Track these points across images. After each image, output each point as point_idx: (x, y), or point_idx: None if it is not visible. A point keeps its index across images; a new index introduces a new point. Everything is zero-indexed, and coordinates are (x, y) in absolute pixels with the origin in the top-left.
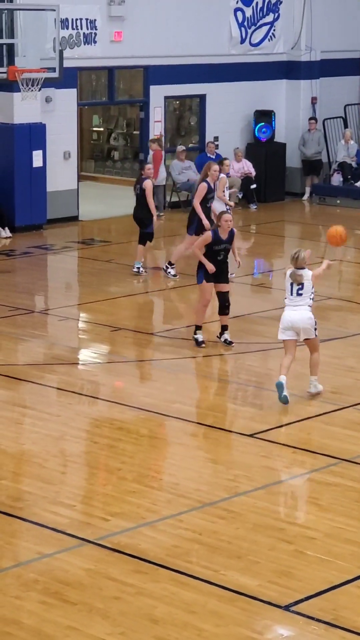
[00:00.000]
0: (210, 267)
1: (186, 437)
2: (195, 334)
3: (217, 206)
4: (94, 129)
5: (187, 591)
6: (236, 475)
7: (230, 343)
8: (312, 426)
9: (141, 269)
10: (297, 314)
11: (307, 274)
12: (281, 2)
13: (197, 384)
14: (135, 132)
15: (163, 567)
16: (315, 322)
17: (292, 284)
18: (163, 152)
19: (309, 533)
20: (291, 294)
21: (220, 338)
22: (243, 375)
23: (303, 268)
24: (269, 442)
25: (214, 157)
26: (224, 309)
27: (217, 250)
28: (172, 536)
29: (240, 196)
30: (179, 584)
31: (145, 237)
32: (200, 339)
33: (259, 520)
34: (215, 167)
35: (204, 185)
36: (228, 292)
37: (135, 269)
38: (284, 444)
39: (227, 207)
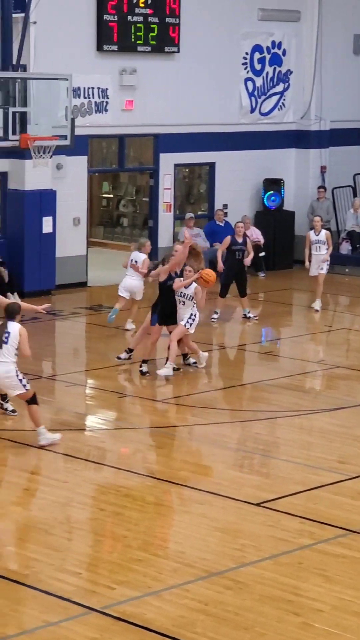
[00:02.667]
0: None
1: (193, 504)
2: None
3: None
4: (104, 195)
5: None
6: (243, 544)
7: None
8: (319, 496)
9: None
10: None
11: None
12: (291, 72)
13: (204, 451)
14: (144, 199)
15: (168, 637)
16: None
17: None
18: None
19: (317, 605)
20: None
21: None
22: (250, 443)
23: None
24: (276, 511)
25: (222, 224)
26: None
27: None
28: (178, 606)
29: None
30: None
31: None
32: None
33: (266, 591)
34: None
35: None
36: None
37: None
38: (291, 514)
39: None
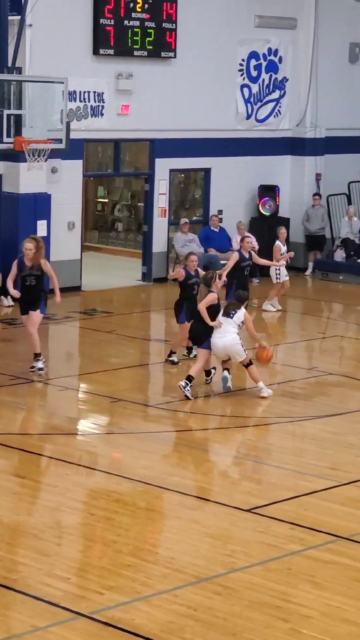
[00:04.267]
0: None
1: (183, 510)
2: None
3: None
4: (99, 200)
5: None
6: (233, 550)
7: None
8: (310, 502)
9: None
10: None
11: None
12: (287, 80)
13: (195, 457)
14: (139, 204)
15: None
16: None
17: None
18: None
19: (305, 611)
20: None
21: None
22: (242, 449)
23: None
24: (266, 517)
25: (217, 230)
26: None
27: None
28: (166, 611)
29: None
30: None
31: None
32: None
33: (255, 597)
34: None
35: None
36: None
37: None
38: (281, 520)
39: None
